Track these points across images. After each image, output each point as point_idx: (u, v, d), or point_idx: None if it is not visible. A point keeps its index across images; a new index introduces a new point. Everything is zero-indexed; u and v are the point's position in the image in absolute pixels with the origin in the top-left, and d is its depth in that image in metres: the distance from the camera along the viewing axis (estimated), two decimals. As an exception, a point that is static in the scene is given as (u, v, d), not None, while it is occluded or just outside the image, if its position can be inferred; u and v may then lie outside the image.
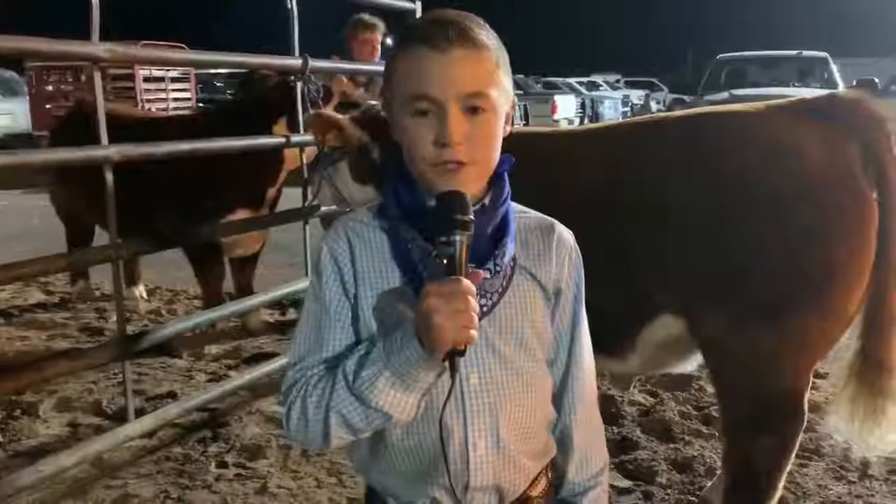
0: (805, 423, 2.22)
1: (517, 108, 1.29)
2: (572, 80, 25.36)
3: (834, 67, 11.73)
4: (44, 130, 12.67)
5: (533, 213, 1.29)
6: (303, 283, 3.91)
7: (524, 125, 14.87)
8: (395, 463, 1.21)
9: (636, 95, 26.68)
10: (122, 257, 3.12)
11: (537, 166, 1.94)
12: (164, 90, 14.05)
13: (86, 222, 4.83)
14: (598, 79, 30.23)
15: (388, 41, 5.55)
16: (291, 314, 5.06)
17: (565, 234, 1.28)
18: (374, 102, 4.15)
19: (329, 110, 3.60)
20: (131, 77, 13.40)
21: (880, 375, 2.14)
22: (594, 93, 23.66)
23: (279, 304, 5.05)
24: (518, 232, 1.22)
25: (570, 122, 18.35)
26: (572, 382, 1.28)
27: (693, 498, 2.77)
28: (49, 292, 5.64)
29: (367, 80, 5.05)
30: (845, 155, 2.05)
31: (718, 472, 2.75)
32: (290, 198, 4.31)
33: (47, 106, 14.25)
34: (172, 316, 5.07)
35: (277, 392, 3.64)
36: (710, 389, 3.58)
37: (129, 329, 3.04)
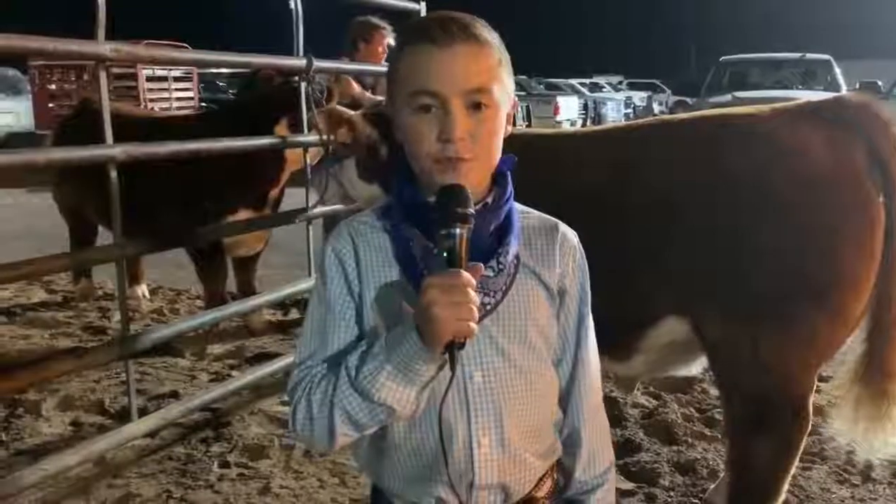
0: (809, 426, 2.21)
1: (519, 108, 1.29)
2: (575, 82, 25.37)
3: (837, 70, 11.73)
4: (47, 129, 12.68)
5: (536, 213, 1.29)
6: (305, 284, 3.92)
7: (526, 126, 14.88)
8: (399, 462, 1.21)
9: (639, 97, 26.67)
10: (126, 257, 3.12)
11: (541, 167, 1.95)
12: (167, 90, 14.07)
13: (89, 221, 4.83)
14: (600, 80, 30.24)
15: (392, 42, 5.56)
16: (294, 314, 5.06)
17: (569, 234, 1.28)
18: (381, 98, 4.16)
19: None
20: (134, 76, 13.43)
21: (885, 379, 2.14)
22: (597, 94, 23.66)
23: (281, 304, 5.06)
24: (521, 231, 1.22)
25: (573, 123, 18.39)
26: (579, 383, 1.28)
27: (696, 500, 2.77)
28: (52, 291, 5.64)
29: (374, 81, 5.05)
30: (851, 157, 2.05)
31: (721, 474, 2.75)
32: (293, 198, 4.31)
33: (50, 105, 14.29)
34: (175, 315, 5.08)
35: (280, 392, 3.64)
36: (713, 392, 3.58)
37: (132, 328, 3.03)
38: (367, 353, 1.11)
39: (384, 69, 4.66)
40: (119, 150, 2.78)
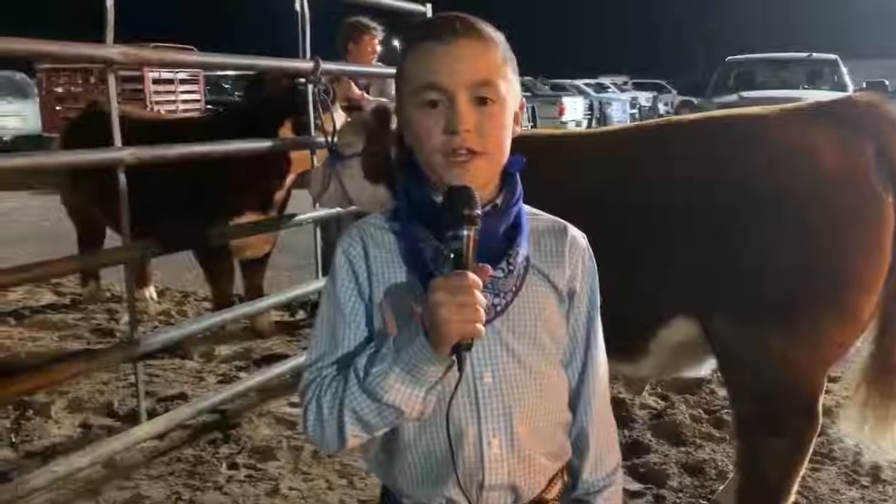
0: (819, 426, 2.21)
1: (525, 109, 1.30)
2: (580, 82, 25.33)
3: (844, 70, 11.70)
4: (54, 132, 12.74)
5: (545, 215, 1.29)
6: (313, 285, 3.93)
7: (532, 127, 14.88)
8: (410, 463, 1.21)
9: (644, 97, 26.64)
10: (134, 260, 3.13)
11: (546, 168, 1.94)
12: (173, 92, 14.11)
13: (97, 223, 4.85)
14: (605, 81, 30.19)
15: (395, 43, 5.57)
16: (301, 316, 5.07)
17: (579, 236, 1.28)
18: (382, 100, 4.17)
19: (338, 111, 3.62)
20: (140, 79, 13.47)
21: (893, 380, 2.13)
22: (602, 95, 23.63)
23: (288, 306, 5.06)
24: (531, 233, 1.22)
25: (578, 123, 18.38)
26: (587, 384, 1.28)
27: (704, 501, 2.76)
28: (60, 293, 5.66)
29: (367, 82, 5.06)
30: (860, 157, 2.04)
31: (730, 475, 2.74)
32: (300, 200, 4.32)
33: (57, 108, 14.34)
34: (182, 317, 5.09)
35: (288, 393, 3.65)
36: (721, 392, 3.57)
37: (140, 330, 3.05)
38: (376, 354, 1.11)
39: (388, 70, 4.70)
40: (127, 153, 2.79)
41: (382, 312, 1.18)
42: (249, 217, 4.19)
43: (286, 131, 4.03)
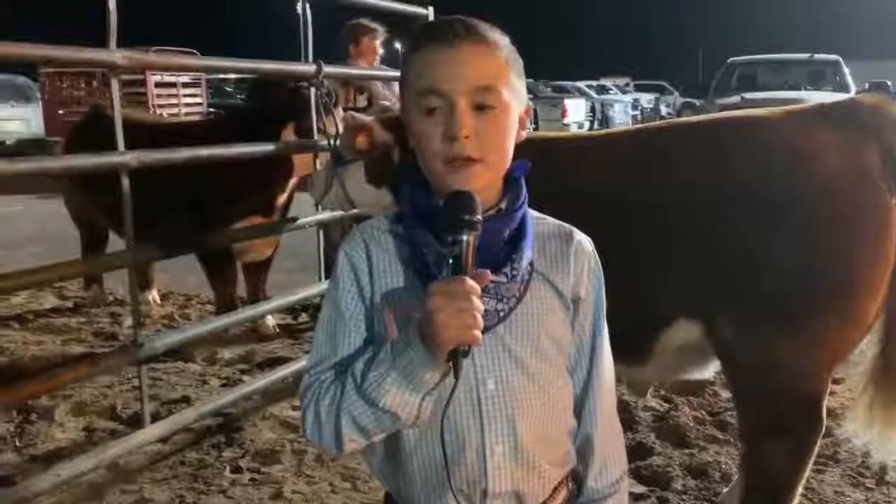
0: (824, 428, 2.20)
1: (532, 113, 1.29)
2: (582, 84, 25.33)
3: (846, 71, 11.69)
4: (57, 136, 12.76)
5: (551, 219, 1.28)
6: (315, 289, 3.93)
7: (534, 129, 14.88)
8: (412, 469, 1.20)
9: (646, 99, 26.63)
10: (138, 263, 3.14)
11: (551, 170, 1.94)
12: (175, 95, 14.12)
13: (100, 227, 4.85)
14: (607, 82, 30.19)
15: (397, 45, 5.57)
16: (304, 319, 5.07)
17: (584, 241, 1.27)
18: (386, 103, 4.17)
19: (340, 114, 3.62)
20: (143, 82, 13.48)
21: (898, 381, 2.13)
22: (604, 96, 23.62)
23: (291, 309, 5.07)
24: (536, 238, 1.21)
25: (580, 125, 18.37)
26: (593, 391, 1.27)
27: (709, 504, 2.76)
28: (63, 297, 5.67)
29: (365, 84, 5.05)
30: (865, 159, 2.04)
31: (734, 477, 2.73)
32: (303, 203, 4.32)
33: (60, 111, 14.36)
34: (185, 320, 5.09)
35: (291, 396, 3.65)
36: (725, 395, 3.56)
37: (143, 334, 3.05)
38: (374, 359, 1.11)
39: (389, 73, 4.71)
40: (131, 157, 2.79)
41: (384, 316, 1.18)
42: (252, 220, 4.19)
43: (288, 134, 4.03)
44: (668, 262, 2.21)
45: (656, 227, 2.22)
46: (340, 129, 3.15)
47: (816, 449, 2.22)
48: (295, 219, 4.02)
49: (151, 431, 2.96)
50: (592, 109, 20.31)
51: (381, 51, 5.30)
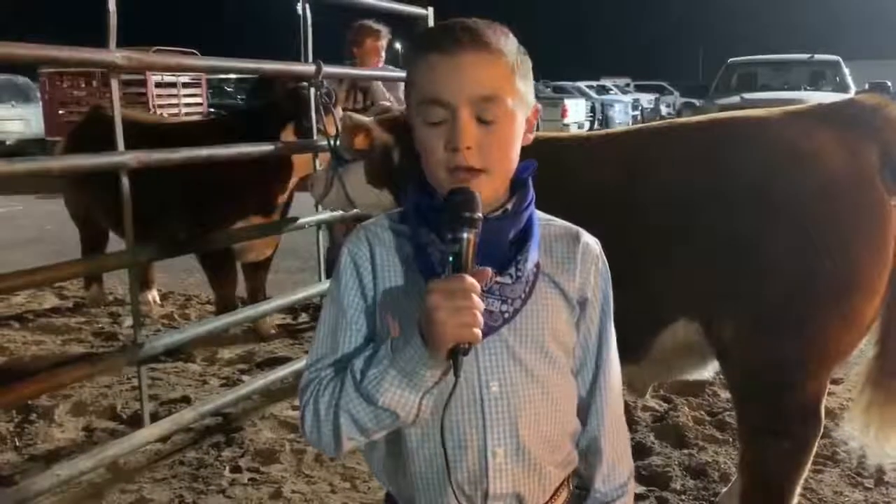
0: (822, 428, 2.21)
1: (540, 114, 1.28)
2: (582, 84, 25.32)
3: (846, 71, 11.70)
4: (57, 136, 12.76)
5: (558, 221, 1.27)
6: (316, 289, 3.93)
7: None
8: (413, 469, 1.20)
9: (646, 99, 26.63)
10: (138, 263, 3.14)
11: (554, 170, 1.94)
12: (175, 95, 14.11)
13: (100, 227, 4.86)
14: (607, 83, 30.17)
15: (397, 46, 5.56)
16: (303, 319, 5.08)
17: (592, 243, 1.26)
18: (386, 103, 4.17)
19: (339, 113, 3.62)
20: (143, 83, 13.48)
21: (896, 382, 2.13)
22: (604, 97, 23.62)
23: (291, 309, 5.07)
24: (542, 239, 1.20)
25: (581, 126, 18.37)
26: (599, 393, 1.26)
27: (708, 504, 2.76)
28: (63, 297, 5.67)
29: (367, 85, 5.06)
30: (864, 159, 2.04)
31: (733, 477, 2.74)
32: (303, 203, 4.32)
33: (60, 111, 14.35)
34: (185, 320, 5.10)
35: (290, 396, 3.65)
36: (724, 395, 3.57)
37: (143, 334, 3.05)
38: (374, 356, 1.10)
39: (391, 74, 4.71)
40: (131, 157, 2.80)
41: (385, 315, 1.17)
42: (252, 220, 4.19)
43: (288, 135, 4.04)
44: (667, 263, 2.21)
45: (655, 227, 2.22)
46: (330, 130, 3.16)
47: (815, 449, 2.22)
48: (295, 219, 4.02)
49: (151, 431, 2.97)
50: (592, 109, 20.31)
51: (383, 52, 5.30)
